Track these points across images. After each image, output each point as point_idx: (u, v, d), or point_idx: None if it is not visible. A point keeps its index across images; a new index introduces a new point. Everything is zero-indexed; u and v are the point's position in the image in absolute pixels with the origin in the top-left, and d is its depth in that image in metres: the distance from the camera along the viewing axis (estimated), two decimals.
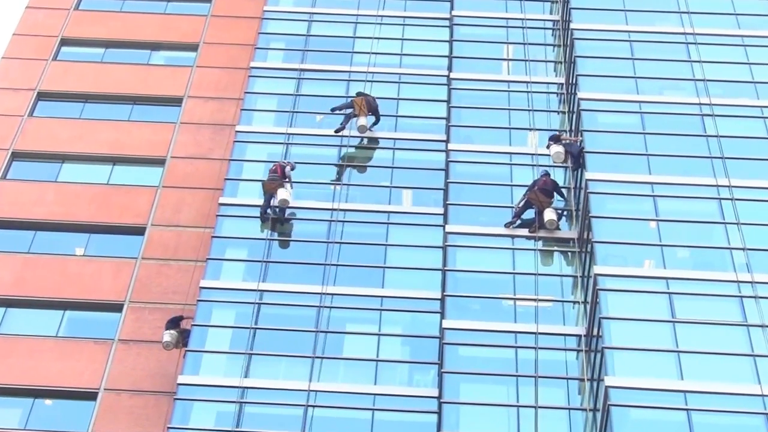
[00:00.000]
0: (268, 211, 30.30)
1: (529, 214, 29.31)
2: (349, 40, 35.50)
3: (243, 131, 33.00)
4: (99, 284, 31.08)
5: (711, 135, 29.63)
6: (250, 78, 34.68)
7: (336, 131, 32.16)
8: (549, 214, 28.81)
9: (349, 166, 31.99)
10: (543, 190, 29.07)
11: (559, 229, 29.42)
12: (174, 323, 28.51)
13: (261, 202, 30.35)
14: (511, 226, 29.10)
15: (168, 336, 28.08)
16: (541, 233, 29.07)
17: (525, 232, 29.07)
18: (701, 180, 28.61)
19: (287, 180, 30.21)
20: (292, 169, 30.74)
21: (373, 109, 32.34)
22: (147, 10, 38.89)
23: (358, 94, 32.41)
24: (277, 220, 30.21)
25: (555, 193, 29.35)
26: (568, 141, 30.24)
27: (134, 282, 31.06)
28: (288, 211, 30.42)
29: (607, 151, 29.47)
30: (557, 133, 30.70)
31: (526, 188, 29.48)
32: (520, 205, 29.23)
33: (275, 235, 30.23)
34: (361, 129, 32.01)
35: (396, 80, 34.19)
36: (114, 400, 28.53)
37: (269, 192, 30.08)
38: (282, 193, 29.88)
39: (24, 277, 31.27)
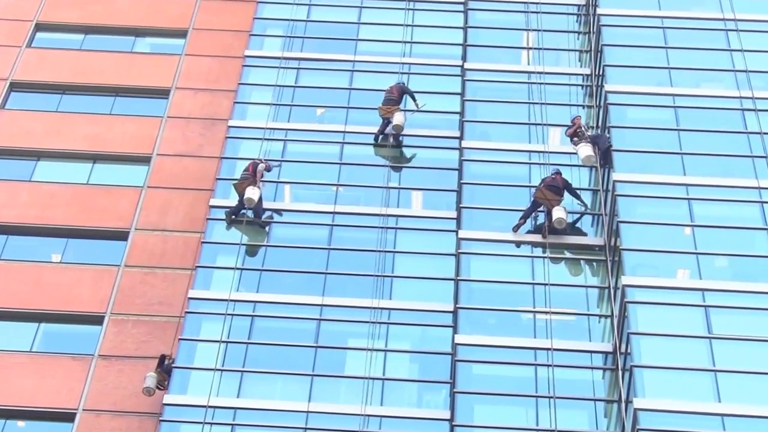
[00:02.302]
0: (248, 213, 30.38)
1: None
2: (352, 27, 35.64)
3: (236, 126, 33.15)
4: (77, 294, 31.21)
5: (753, 132, 29.73)
6: (244, 68, 34.82)
7: (376, 138, 32.13)
8: (557, 212, 28.83)
9: (353, 165, 32.10)
10: (550, 187, 29.11)
11: (585, 234, 29.56)
12: (159, 363, 28.49)
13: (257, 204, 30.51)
14: (518, 230, 29.19)
15: (150, 380, 28.04)
16: (569, 240, 29.18)
17: (546, 238, 29.13)
18: (741, 182, 28.69)
19: (260, 179, 30.30)
20: (268, 170, 30.86)
21: (404, 93, 32.20)
22: None
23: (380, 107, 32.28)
24: (255, 223, 30.30)
25: (567, 192, 29.28)
26: (590, 133, 30.21)
27: (116, 292, 31.18)
28: (266, 214, 30.51)
29: (637, 149, 29.57)
30: (573, 124, 30.62)
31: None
32: (528, 206, 29.35)
33: (271, 241, 30.37)
34: (397, 128, 31.93)
35: (405, 71, 34.31)
36: (93, 421, 28.63)
37: (240, 192, 30.28)
38: (248, 192, 30.02)
39: None
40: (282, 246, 30.28)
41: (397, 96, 32.29)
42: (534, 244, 29.14)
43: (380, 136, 32.46)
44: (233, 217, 30.50)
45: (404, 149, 32.53)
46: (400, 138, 32.49)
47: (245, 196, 30.06)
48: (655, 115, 30.50)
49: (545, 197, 29.09)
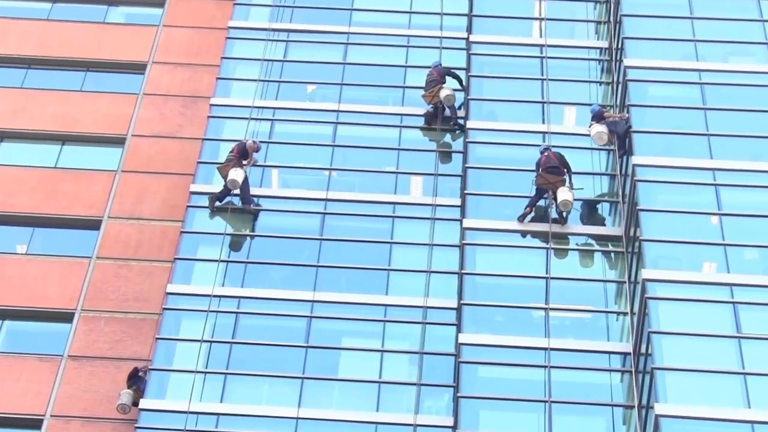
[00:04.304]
0: (233, 201, 30.38)
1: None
2: None
3: (219, 104, 33.16)
4: (44, 289, 31.25)
5: None
6: (227, 40, 34.82)
7: (429, 123, 32.21)
8: (562, 194, 28.82)
9: (347, 147, 32.11)
10: (549, 169, 29.11)
11: (604, 225, 29.60)
12: (132, 377, 28.38)
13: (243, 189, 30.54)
14: (524, 219, 29.21)
15: (125, 396, 27.95)
16: (583, 230, 29.24)
17: (558, 228, 29.17)
18: None
19: (247, 161, 30.32)
20: (256, 150, 30.85)
21: (446, 74, 32.22)
22: None
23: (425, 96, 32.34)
24: (243, 210, 30.33)
25: (564, 169, 29.25)
26: (612, 119, 30.24)
27: (87, 287, 31.23)
28: (255, 201, 30.51)
29: (659, 130, 29.57)
30: (600, 108, 30.75)
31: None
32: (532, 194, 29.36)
33: (257, 231, 30.38)
34: (449, 99, 31.85)
35: (404, 44, 34.33)
36: (62, 428, 28.70)
37: (225, 176, 30.29)
38: (232, 174, 30.00)
39: None
40: (269, 236, 30.31)
41: (437, 77, 32.21)
42: (545, 235, 29.15)
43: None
44: (217, 203, 30.50)
45: (403, 130, 32.50)
46: (461, 120, 32.29)
47: (228, 178, 30.05)
48: (679, 93, 30.49)
49: (547, 181, 29.10)
